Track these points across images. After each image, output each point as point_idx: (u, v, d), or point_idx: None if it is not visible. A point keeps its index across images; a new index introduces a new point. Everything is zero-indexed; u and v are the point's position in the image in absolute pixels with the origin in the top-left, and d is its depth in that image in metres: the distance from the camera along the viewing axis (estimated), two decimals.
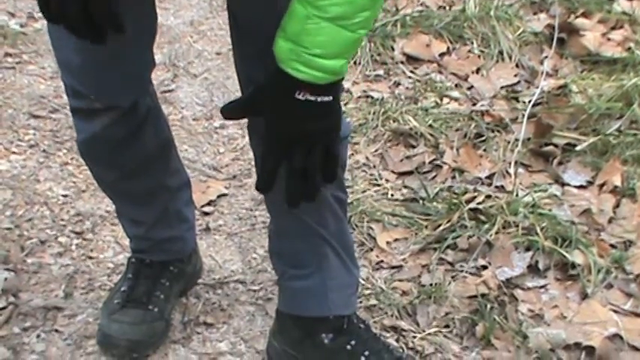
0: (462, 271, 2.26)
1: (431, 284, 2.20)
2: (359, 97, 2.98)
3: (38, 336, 1.97)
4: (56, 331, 1.98)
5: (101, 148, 1.75)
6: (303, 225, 1.74)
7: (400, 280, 2.24)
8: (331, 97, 1.42)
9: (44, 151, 2.59)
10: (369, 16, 1.36)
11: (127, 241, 2.07)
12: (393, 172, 2.65)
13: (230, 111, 1.50)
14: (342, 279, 1.84)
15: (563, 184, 2.56)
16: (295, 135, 1.45)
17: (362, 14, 1.35)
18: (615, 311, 2.15)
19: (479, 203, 2.41)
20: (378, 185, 2.58)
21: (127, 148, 1.76)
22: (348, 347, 1.83)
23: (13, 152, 2.58)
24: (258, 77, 1.47)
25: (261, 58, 1.44)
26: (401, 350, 1.96)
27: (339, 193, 1.76)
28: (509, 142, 2.72)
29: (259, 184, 1.52)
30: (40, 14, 1.68)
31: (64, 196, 2.42)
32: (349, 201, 2.41)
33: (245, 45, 1.59)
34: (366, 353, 1.83)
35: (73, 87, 1.67)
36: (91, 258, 2.21)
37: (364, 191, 2.53)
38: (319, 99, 1.40)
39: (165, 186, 1.91)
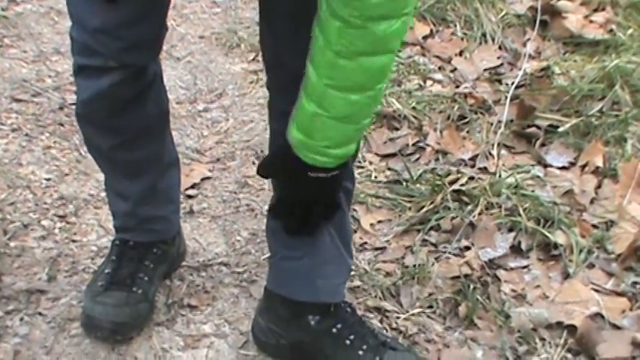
0: (445, 252, 2.27)
1: (414, 265, 2.21)
2: None
3: (21, 319, 1.96)
4: (39, 314, 1.98)
5: (103, 108, 1.73)
6: None
7: (384, 262, 2.25)
8: (341, 170, 1.58)
9: (27, 134, 2.58)
10: (372, 109, 1.51)
11: (110, 225, 2.07)
12: (376, 154, 2.65)
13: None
14: (334, 268, 1.85)
15: (545, 166, 2.58)
16: (307, 201, 1.65)
17: (365, 117, 1.51)
18: (597, 290, 2.17)
19: (462, 185, 2.42)
20: (362, 167, 2.58)
21: (129, 112, 1.75)
22: (334, 330, 1.84)
23: None
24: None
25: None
26: (385, 333, 1.96)
27: (347, 183, 1.77)
28: (492, 124, 2.72)
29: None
30: None
31: (47, 179, 2.41)
32: None
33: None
34: (351, 337, 1.83)
35: (85, 44, 1.64)
36: (74, 241, 2.21)
37: None
38: (329, 174, 1.57)
39: (157, 160, 1.91)
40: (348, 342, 1.83)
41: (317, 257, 1.82)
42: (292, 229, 1.73)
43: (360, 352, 1.81)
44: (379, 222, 2.38)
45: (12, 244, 2.17)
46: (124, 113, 1.75)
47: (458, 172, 2.50)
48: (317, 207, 1.67)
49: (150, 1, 1.61)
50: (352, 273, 2.16)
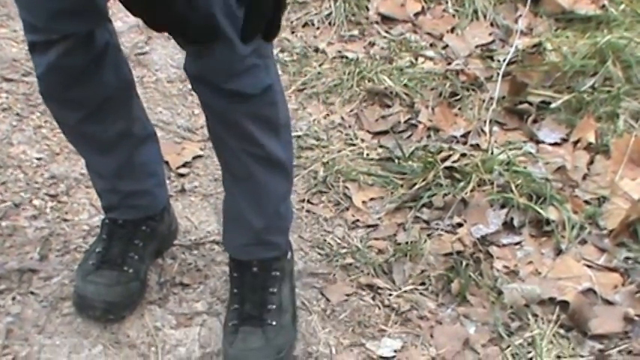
0: (437, 229, 2.28)
1: (407, 242, 2.22)
2: (334, 57, 2.97)
3: (13, 298, 1.96)
4: (31, 293, 1.98)
5: (57, 81, 1.73)
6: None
7: (376, 239, 2.25)
8: None
9: (17, 114, 2.57)
10: None
11: None
12: (368, 131, 2.65)
13: None
14: (233, 227, 1.91)
15: (537, 142, 2.57)
16: None
17: None
18: (589, 266, 2.17)
19: (454, 162, 2.42)
20: (354, 145, 2.58)
21: (84, 83, 1.74)
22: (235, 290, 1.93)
23: None
24: None
25: None
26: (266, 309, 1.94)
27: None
28: (484, 101, 2.72)
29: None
30: None
31: (38, 159, 2.40)
32: (325, 160, 2.42)
33: None
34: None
35: (28, 21, 1.65)
36: (66, 220, 2.20)
37: (340, 151, 2.53)
38: None
39: (128, 133, 1.89)
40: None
41: (224, 214, 1.91)
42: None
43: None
44: (371, 199, 2.38)
45: (3, 223, 2.16)
46: (79, 84, 1.74)
47: (450, 149, 2.50)
48: None
49: None
50: (344, 250, 2.18)
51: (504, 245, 2.23)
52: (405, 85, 2.80)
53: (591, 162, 2.49)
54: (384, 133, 2.64)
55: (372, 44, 3.07)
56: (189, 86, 2.74)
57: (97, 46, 1.72)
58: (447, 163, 2.41)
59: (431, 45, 3.08)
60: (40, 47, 1.68)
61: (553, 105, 2.66)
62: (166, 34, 3.03)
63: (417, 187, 2.37)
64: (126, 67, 1.87)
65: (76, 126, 1.84)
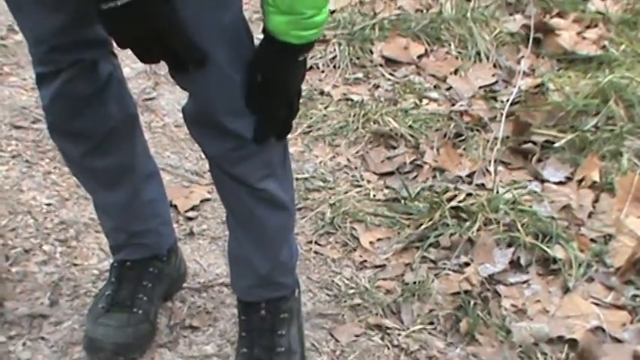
0: (444, 268, 2.28)
1: (414, 282, 2.22)
2: (339, 99, 3.00)
3: (24, 344, 1.97)
4: (42, 338, 1.99)
5: (62, 110, 1.76)
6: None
7: (384, 279, 2.26)
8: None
9: (27, 161, 2.59)
10: None
11: None
12: (374, 173, 2.67)
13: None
14: (238, 270, 1.91)
15: (542, 181, 2.59)
16: (294, 90, 1.64)
17: None
18: (597, 304, 2.17)
19: (460, 201, 2.43)
20: (360, 186, 2.59)
21: (90, 113, 1.77)
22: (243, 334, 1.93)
23: None
24: None
25: None
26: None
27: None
28: (488, 141, 2.74)
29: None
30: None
31: (48, 204, 2.42)
32: (332, 202, 2.44)
33: None
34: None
35: (36, 55, 1.71)
36: (75, 265, 2.21)
37: (346, 192, 2.55)
38: (309, 54, 1.59)
39: (131, 168, 1.91)
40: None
41: (229, 257, 1.93)
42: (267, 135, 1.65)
43: None
44: (378, 240, 2.39)
45: (14, 269, 2.18)
46: (83, 114, 1.77)
47: (455, 189, 2.51)
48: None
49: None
50: (352, 291, 2.19)
51: (512, 284, 2.24)
52: (410, 127, 2.82)
53: (596, 200, 2.50)
54: (390, 174, 2.66)
55: (376, 86, 3.10)
56: None
57: (100, 75, 1.76)
58: (453, 203, 2.42)
59: (435, 87, 3.11)
60: (47, 78, 1.72)
61: (557, 144, 2.68)
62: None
63: (423, 227, 2.38)
64: (130, 101, 1.89)
65: (81, 160, 1.86)
